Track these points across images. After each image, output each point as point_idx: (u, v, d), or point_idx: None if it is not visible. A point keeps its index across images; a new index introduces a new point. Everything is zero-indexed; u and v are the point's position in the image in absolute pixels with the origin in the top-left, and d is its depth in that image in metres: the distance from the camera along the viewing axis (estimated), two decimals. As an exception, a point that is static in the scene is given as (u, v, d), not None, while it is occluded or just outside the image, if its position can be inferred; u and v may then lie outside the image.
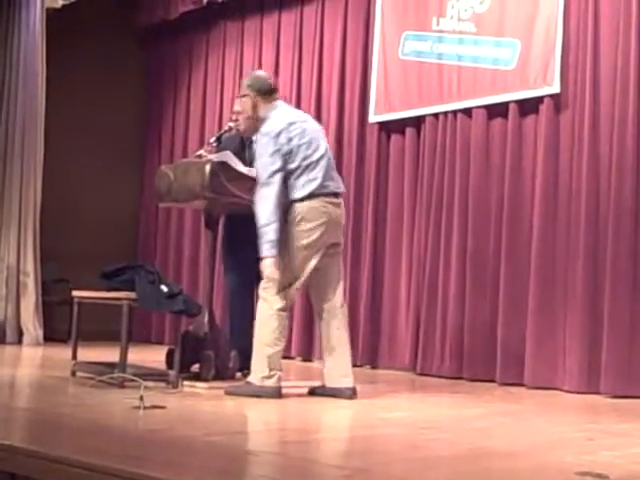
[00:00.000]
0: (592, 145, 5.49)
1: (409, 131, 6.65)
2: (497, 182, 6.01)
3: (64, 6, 7.66)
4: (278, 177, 4.30)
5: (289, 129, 4.40)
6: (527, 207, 5.83)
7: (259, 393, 4.24)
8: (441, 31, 6.42)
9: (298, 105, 7.48)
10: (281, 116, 4.49)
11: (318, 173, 4.40)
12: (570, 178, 5.63)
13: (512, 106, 5.95)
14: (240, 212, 5.08)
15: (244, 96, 4.60)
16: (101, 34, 8.35)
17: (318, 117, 7.19)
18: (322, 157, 4.45)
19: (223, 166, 4.75)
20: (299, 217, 4.34)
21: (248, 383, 4.36)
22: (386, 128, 6.79)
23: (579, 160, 5.55)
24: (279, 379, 4.33)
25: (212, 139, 5.33)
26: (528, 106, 5.90)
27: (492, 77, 6.06)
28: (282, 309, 4.34)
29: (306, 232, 4.33)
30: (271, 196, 4.28)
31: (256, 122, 5.27)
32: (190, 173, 4.73)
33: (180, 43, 8.79)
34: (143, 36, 9.03)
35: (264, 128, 4.43)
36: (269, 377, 4.29)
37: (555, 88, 5.71)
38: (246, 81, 4.69)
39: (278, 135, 4.37)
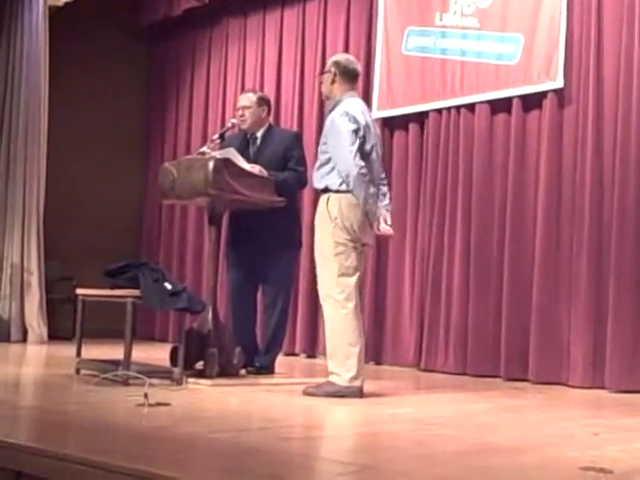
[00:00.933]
0: (596, 140, 5.48)
1: (412, 127, 6.64)
2: (501, 177, 6.00)
3: (66, 4, 7.66)
4: (359, 157, 4.29)
5: (363, 117, 4.42)
6: (531, 202, 5.83)
7: (343, 393, 4.19)
8: (444, 26, 6.41)
9: (301, 101, 7.49)
10: (356, 104, 4.49)
11: (369, 173, 4.39)
12: (574, 173, 5.62)
13: (515, 101, 5.94)
14: (243, 209, 5.09)
15: (326, 72, 4.58)
16: (103, 31, 8.36)
17: (321, 113, 7.20)
18: (375, 160, 4.46)
19: (226, 163, 4.74)
20: (339, 213, 4.30)
21: (330, 383, 4.27)
22: (389, 124, 6.78)
23: (583, 155, 5.54)
24: (364, 379, 4.32)
25: (215, 136, 5.33)
26: (532, 101, 5.89)
27: (495, 72, 6.05)
28: (356, 305, 4.31)
29: (347, 229, 4.31)
30: (366, 177, 4.28)
31: (262, 120, 5.30)
32: (193, 170, 4.72)
33: (183, 40, 8.79)
34: (146, 33, 9.03)
35: (342, 108, 4.40)
36: (357, 377, 4.24)
37: (558, 83, 5.70)
38: (333, 58, 4.70)
39: (356, 117, 4.36)
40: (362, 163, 4.29)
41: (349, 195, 4.30)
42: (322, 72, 4.73)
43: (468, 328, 5.99)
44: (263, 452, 2.74)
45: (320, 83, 4.79)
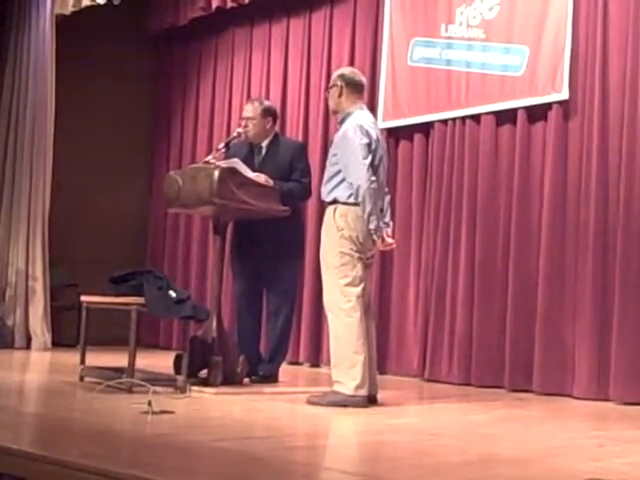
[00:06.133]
0: (601, 152, 5.47)
1: (417, 137, 6.65)
2: (505, 188, 6.00)
3: (73, 12, 7.69)
4: (371, 171, 4.30)
5: (374, 131, 4.44)
6: (535, 214, 5.82)
7: (348, 402, 4.18)
8: (450, 37, 6.42)
9: (306, 111, 7.51)
10: (367, 117, 4.52)
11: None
12: (579, 185, 5.62)
13: (520, 112, 5.94)
14: (248, 218, 5.10)
15: (332, 87, 4.59)
16: (110, 40, 8.38)
17: (326, 123, 7.21)
18: (381, 174, 4.47)
19: (231, 172, 4.76)
20: (345, 224, 4.33)
21: (334, 392, 4.26)
22: (394, 134, 6.78)
23: (588, 167, 5.54)
24: (376, 388, 4.33)
25: (221, 145, 5.35)
26: (537, 112, 5.89)
27: (501, 83, 6.05)
28: (361, 315, 4.30)
29: (353, 240, 4.33)
30: (376, 192, 4.30)
31: (267, 130, 5.32)
32: (199, 179, 4.74)
33: (189, 49, 8.81)
34: (152, 42, 9.05)
35: (353, 120, 4.42)
36: (362, 386, 4.23)
37: (564, 94, 5.70)
38: (337, 72, 4.71)
39: (368, 131, 4.39)
40: (373, 178, 4.31)
41: (356, 208, 4.32)
42: (327, 88, 4.74)
43: (472, 338, 5.98)
44: (266, 461, 2.74)
45: (327, 98, 4.80)
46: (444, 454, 3.10)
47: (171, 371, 4.73)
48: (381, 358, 6.52)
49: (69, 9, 7.67)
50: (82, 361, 4.79)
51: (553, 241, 5.68)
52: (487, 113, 6.13)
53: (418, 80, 6.59)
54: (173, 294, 4.60)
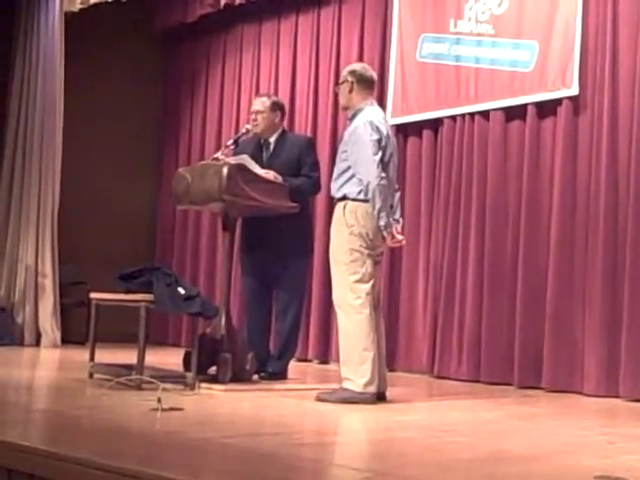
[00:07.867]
0: (611, 147, 5.45)
1: (426, 133, 6.63)
2: (515, 185, 5.98)
3: (82, 10, 7.70)
4: (381, 167, 4.30)
5: (384, 127, 4.44)
6: (545, 210, 5.81)
7: (357, 399, 4.17)
8: (459, 33, 6.40)
9: (315, 107, 7.50)
10: (377, 113, 4.52)
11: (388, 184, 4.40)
12: (589, 180, 5.60)
13: (530, 108, 5.92)
14: (257, 214, 5.09)
15: (343, 82, 4.58)
16: (118, 38, 8.39)
17: (335, 120, 7.20)
18: (391, 170, 4.47)
19: (240, 169, 4.75)
20: (355, 221, 4.32)
21: (343, 389, 4.26)
22: (403, 130, 6.77)
23: (598, 162, 5.52)
24: (386, 385, 4.33)
25: (229, 142, 5.35)
26: (546, 108, 5.87)
27: (510, 79, 6.03)
28: (371, 312, 4.30)
29: (362, 237, 4.33)
30: (385, 188, 4.29)
31: (276, 125, 5.32)
32: (207, 176, 4.73)
33: (198, 46, 8.82)
34: (161, 39, 9.07)
35: (364, 117, 4.41)
36: (371, 383, 4.22)
37: (573, 90, 5.68)
38: (348, 68, 4.70)
39: (379, 127, 4.38)
40: (383, 174, 4.30)
41: (366, 204, 4.31)
42: (337, 83, 4.73)
43: (481, 335, 5.97)
44: (275, 457, 2.74)
45: (336, 94, 4.78)
46: (453, 451, 3.09)
47: (180, 368, 4.73)
48: (390, 355, 6.51)
49: (77, 6, 7.69)
50: (91, 358, 4.79)
51: (563, 237, 5.66)
52: (496, 109, 6.11)
53: (427, 76, 6.57)
54: (182, 291, 4.60)
